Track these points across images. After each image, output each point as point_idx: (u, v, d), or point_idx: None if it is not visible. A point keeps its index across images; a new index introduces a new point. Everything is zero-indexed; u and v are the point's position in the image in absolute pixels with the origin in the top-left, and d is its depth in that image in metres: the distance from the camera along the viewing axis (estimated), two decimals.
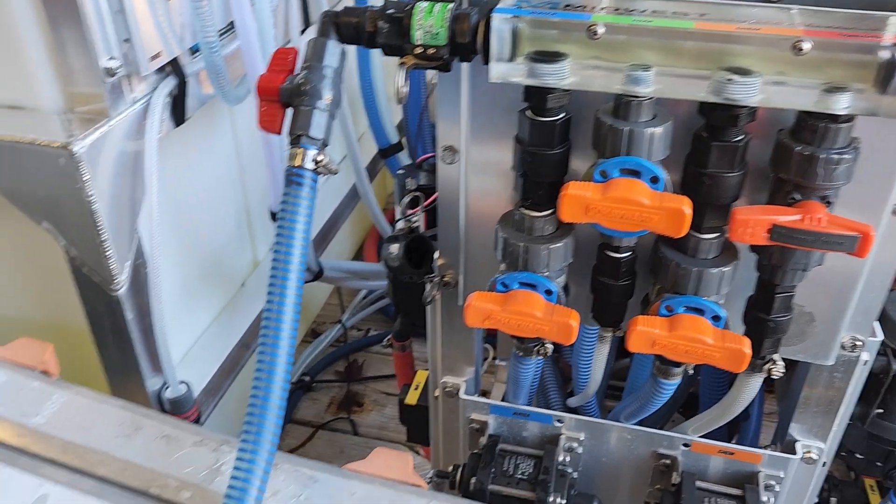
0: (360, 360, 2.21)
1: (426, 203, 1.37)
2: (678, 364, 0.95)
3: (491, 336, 1.54)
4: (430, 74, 2.41)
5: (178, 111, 1.29)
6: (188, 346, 1.58)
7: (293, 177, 0.83)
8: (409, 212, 1.23)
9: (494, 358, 1.59)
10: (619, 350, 1.30)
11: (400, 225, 1.24)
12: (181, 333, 1.50)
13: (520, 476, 1.14)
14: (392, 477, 0.84)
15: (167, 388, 1.34)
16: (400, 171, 1.53)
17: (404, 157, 2.28)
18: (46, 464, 0.81)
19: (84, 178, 1.07)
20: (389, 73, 2.12)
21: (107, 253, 1.14)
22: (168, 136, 1.27)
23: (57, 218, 1.12)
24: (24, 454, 0.81)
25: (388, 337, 1.68)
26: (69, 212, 1.11)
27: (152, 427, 0.86)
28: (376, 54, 2.05)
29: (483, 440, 1.21)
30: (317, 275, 1.93)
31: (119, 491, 0.79)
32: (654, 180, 0.79)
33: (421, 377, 1.53)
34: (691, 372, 0.97)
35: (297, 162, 0.83)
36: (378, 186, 2.59)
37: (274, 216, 1.65)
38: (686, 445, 1.11)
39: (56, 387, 0.89)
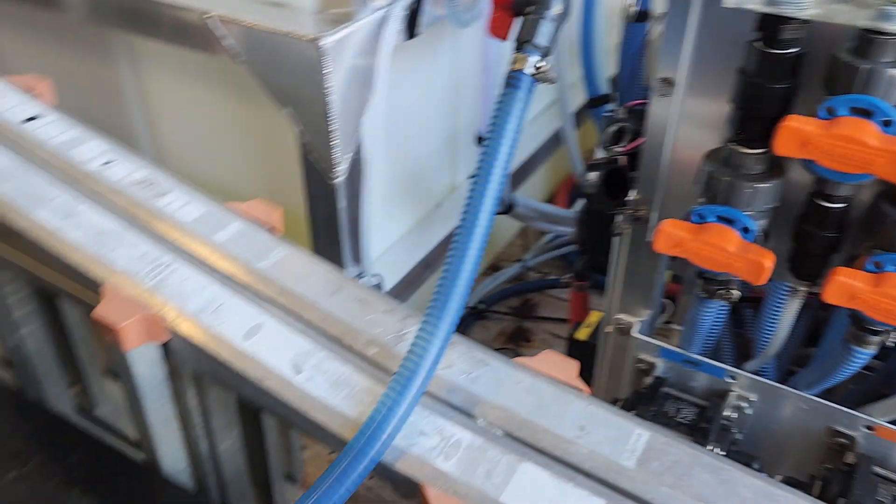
0: (535, 300, 2.26)
1: (630, 146, 1.37)
2: (876, 332, 0.90)
3: (670, 296, 1.52)
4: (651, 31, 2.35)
5: (410, 26, 1.38)
6: (380, 251, 1.71)
7: (512, 80, 0.88)
8: (616, 147, 1.23)
9: (669, 322, 1.57)
10: (809, 337, 1.24)
11: (602, 155, 1.26)
12: (377, 235, 1.62)
13: (680, 419, 1.14)
14: (557, 377, 0.88)
15: (363, 277, 1.47)
16: (606, 114, 1.53)
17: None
18: (265, 301, 0.94)
19: (325, 71, 1.20)
20: (609, 26, 2.12)
21: (332, 143, 1.27)
22: (397, 47, 1.36)
23: (297, 105, 1.26)
24: (249, 290, 0.95)
25: (569, 276, 1.71)
26: (308, 100, 1.24)
27: (351, 290, 0.97)
28: (600, 6, 2.05)
29: (648, 380, 1.21)
30: (508, 208, 1.99)
31: (319, 335, 0.90)
32: (887, 123, 0.75)
33: (594, 317, 1.55)
34: (892, 343, 0.91)
35: (519, 66, 0.88)
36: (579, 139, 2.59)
37: (480, 140, 1.72)
38: (869, 428, 1.04)
39: (280, 242, 1.02)
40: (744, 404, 1.15)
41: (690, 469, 0.78)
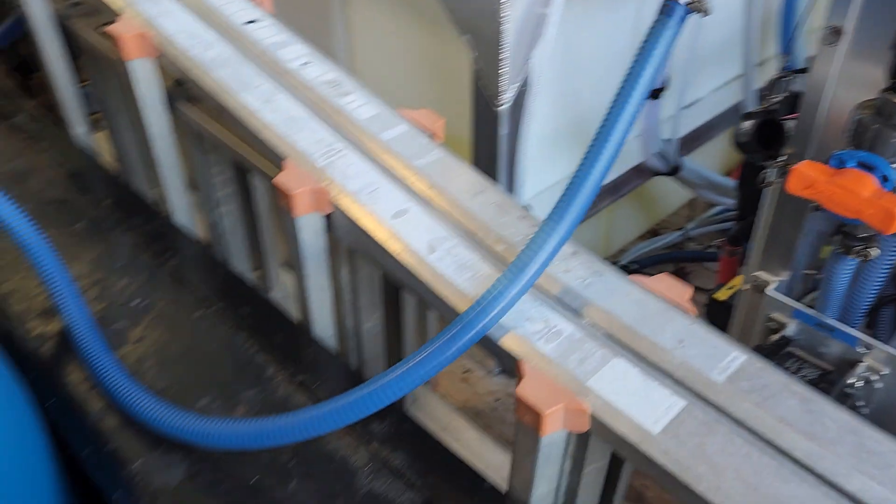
0: (689, 269, 2.24)
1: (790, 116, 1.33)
2: None
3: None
4: None
5: None
6: (537, 189, 1.79)
7: (666, 8, 0.92)
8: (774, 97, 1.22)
9: None
10: None
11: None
12: (536, 175, 1.70)
13: (799, 377, 1.13)
14: (668, 297, 0.93)
15: None
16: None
17: None
18: (414, 192, 1.06)
19: (503, 1, 1.29)
20: (815, 4, 2.02)
21: (501, 71, 1.36)
22: None
23: (475, 32, 1.36)
24: (403, 181, 1.08)
25: (722, 240, 1.70)
26: (484, 28, 1.34)
27: (492, 195, 1.06)
28: None
29: (774, 337, 1.21)
30: (673, 169, 1.98)
31: (455, 226, 1.01)
32: None
33: (737, 280, 1.54)
34: None
35: None
36: None
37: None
38: None
39: (437, 146, 1.13)
40: (874, 377, 1.11)
41: (779, 393, 0.80)
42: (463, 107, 1.51)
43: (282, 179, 1.05)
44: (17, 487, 1.02)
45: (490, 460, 1.34)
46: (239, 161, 1.30)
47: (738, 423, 0.79)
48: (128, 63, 1.29)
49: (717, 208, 2.36)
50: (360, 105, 1.19)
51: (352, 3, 1.79)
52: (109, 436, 1.07)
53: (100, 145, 1.87)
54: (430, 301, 0.96)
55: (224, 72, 1.22)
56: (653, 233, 2.38)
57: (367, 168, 1.09)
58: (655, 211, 2.39)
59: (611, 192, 1.94)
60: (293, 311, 1.31)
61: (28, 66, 2.21)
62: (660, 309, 0.91)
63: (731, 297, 1.49)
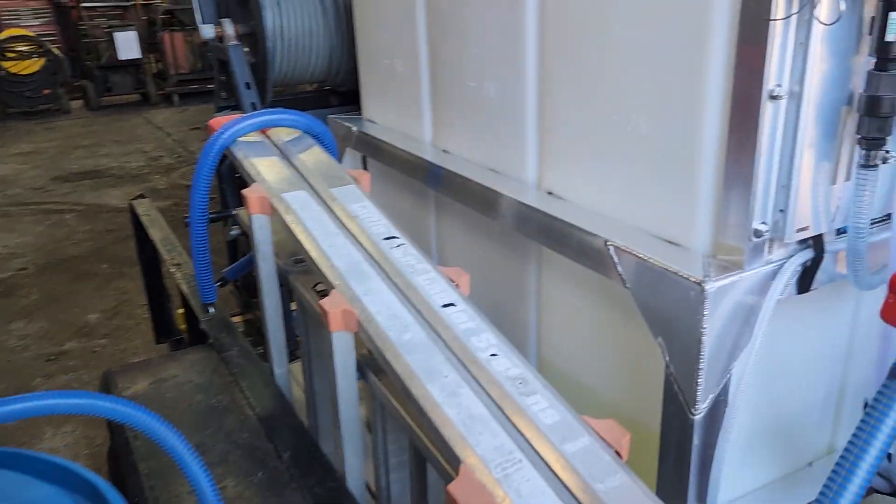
0: None
1: None
2: None
3: None
4: None
5: (804, 281, 1.37)
6: (732, 496, 1.61)
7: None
8: None
9: None
10: None
11: None
12: (730, 480, 1.54)
13: None
14: None
15: None
16: None
17: None
18: None
19: (704, 313, 1.24)
20: None
21: (698, 381, 1.28)
22: (787, 300, 1.35)
23: (670, 337, 1.32)
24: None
25: None
26: (681, 336, 1.29)
27: None
28: None
29: None
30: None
31: None
32: None
33: None
34: None
35: None
36: None
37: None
38: None
39: (621, 468, 1.05)
40: None
41: None
42: (654, 405, 1.43)
43: (455, 489, 1.01)
44: None
45: None
46: (417, 447, 1.29)
47: None
48: (332, 334, 1.37)
49: None
50: (543, 409, 1.16)
51: (546, 283, 1.84)
52: None
53: (295, 375, 1.98)
54: None
55: (415, 357, 1.25)
56: None
57: (544, 488, 1.03)
58: None
59: None
60: None
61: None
62: None
63: None
